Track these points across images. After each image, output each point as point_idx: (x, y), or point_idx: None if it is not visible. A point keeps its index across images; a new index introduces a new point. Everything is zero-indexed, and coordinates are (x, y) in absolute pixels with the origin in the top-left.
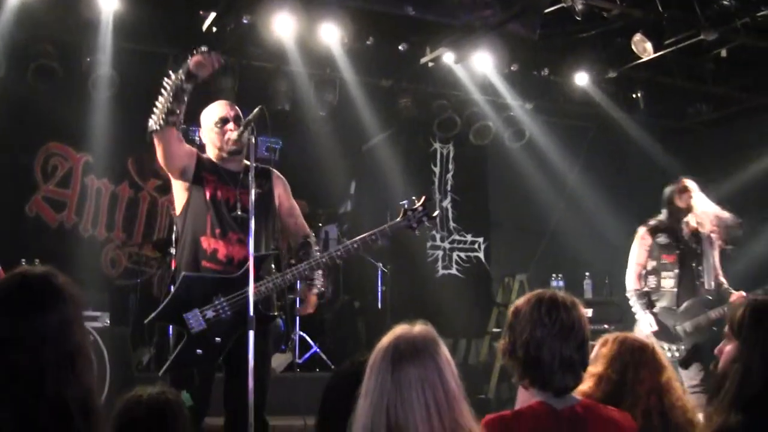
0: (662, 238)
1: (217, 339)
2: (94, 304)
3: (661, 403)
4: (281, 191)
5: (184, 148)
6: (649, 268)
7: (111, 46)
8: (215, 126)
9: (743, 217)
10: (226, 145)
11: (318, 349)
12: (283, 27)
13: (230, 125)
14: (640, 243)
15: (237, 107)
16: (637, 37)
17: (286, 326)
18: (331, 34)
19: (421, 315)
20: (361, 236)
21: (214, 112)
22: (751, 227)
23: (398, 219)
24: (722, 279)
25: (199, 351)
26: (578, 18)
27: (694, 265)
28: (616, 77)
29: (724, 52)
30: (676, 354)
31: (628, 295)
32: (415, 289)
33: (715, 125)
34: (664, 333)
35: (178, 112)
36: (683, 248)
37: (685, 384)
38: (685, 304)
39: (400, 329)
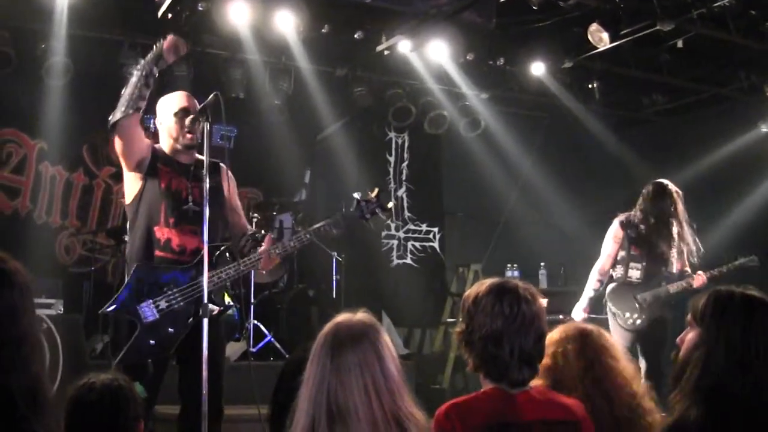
0: (633, 231)
1: (170, 329)
2: (48, 291)
3: (605, 386)
4: (229, 187)
5: (143, 140)
6: (618, 258)
7: (65, 33)
8: (175, 116)
9: (697, 207)
10: (183, 137)
11: (272, 338)
12: (238, 14)
13: (190, 119)
14: (613, 237)
15: (196, 101)
16: (594, 27)
17: (240, 315)
18: (287, 22)
19: (376, 304)
20: (314, 227)
21: (176, 101)
22: (706, 218)
23: (351, 209)
24: (687, 268)
25: (152, 341)
26: (534, 7)
27: (661, 251)
28: (572, 67)
29: (680, 43)
30: (638, 322)
31: (590, 279)
32: (369, 278)
33: (671, 116)
34: (624, 302)
35: (146, 96)
36: (653, 239)
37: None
38: (645, 278)
39: (341, 317)
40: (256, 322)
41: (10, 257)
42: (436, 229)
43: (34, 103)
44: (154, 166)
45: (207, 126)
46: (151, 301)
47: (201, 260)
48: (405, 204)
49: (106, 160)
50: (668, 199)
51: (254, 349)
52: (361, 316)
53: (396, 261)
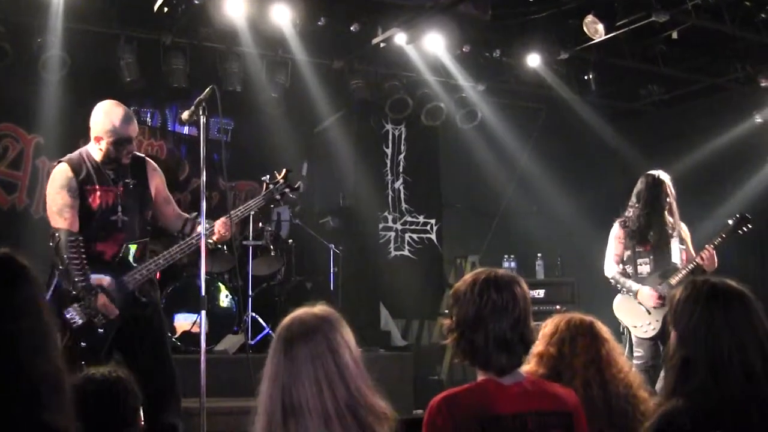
0: (632, 228)
1: (100, 330)
2: (46, 286)
3: (601, 375)
4: (158, 182)
5: (75, 207)
6: (624, 258)
7: (62, 27)
8: (116, 144)
9: (693, 197)
10: (126, 158)
11: (270, 331)
12: (234, 7)
13: (132, 146)
14: (615, 237)
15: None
16: (589, 18)
17: (238, 308)
18: (283, 15)
19: (374, 296)
20: (223, 217)
21: (118, 129)
22: (701, 208)
23: (261, 195)
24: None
25: (83, 343)
26: None
27: (666, 248)
28: (568, 59)
29: (675, 34)
30: (651, 330)
31: (612, 281)
32: (367, 270)
33: (667, 106)
34: (631, 313)
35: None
36: (656, 236)
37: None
38: (647, 280)
39: (297, 311)
40: (254, 314)
41: (16, 252)
42: (433, 221)
43: (31, 97)
44: (82, 189)
45: (203, 119)
46: (77, 305)
47: (121, 260)
48: (402, 196)
49: None
50: (661, 188)
51: (252, 342)
52: (318, 309)
53: (393, 253)
